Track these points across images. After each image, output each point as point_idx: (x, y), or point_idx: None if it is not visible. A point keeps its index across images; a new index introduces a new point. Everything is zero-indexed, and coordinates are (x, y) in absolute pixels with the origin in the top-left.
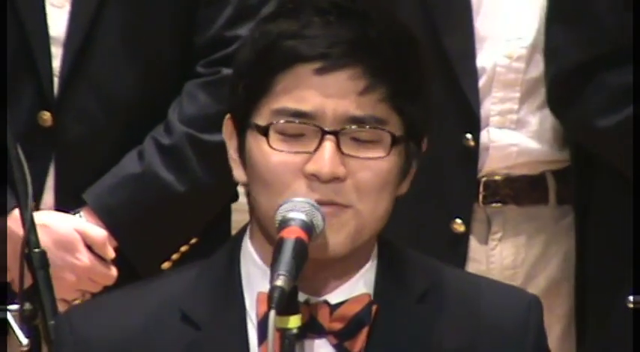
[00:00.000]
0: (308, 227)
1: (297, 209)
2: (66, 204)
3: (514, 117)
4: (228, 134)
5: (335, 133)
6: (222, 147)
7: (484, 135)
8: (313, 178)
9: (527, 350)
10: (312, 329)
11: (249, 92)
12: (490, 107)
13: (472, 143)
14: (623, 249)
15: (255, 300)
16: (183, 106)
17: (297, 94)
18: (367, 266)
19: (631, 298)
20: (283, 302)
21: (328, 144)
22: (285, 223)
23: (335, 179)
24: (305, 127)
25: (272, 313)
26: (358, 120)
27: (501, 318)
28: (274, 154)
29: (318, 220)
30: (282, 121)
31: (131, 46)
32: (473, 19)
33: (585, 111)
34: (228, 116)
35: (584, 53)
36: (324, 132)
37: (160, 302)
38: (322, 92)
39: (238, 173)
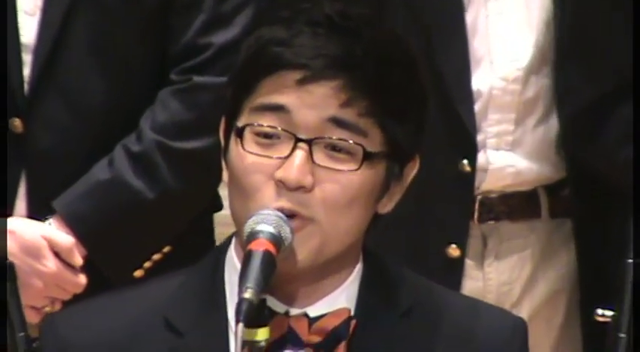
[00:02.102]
0: (276, 239)
1: (265, 221)
2: (38, 212)
3: (509, 138)
4: (222, 136)
5: (308, 141)
6: (193, 154)
7: (482, 158)
8: (281, 185)
9: None
10: (290, 341)
11: (236, 95)
12: (487, 129)
13: (468, 168)
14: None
15: None
16: (155, 114)
17: (277, 96)
18: (350, 279)
19: (599, 311)
20: (251, 314)
21: (299, 153)
22: (253, 236)
23: (301, 188)
24: (280, 132)
25: (240, 326)
26: (339, 122)
27: (486, 338)
28: (247, 156)
29: (286, 233)
30: (257, 123)
31: (101, 54)
32: (468, 40)
33: (605, 145)
34: (224, 118)
35: (598, 89)
36: (297, 140)
37: (144, 308)
38: (302, 100)
39: (226, 176)
